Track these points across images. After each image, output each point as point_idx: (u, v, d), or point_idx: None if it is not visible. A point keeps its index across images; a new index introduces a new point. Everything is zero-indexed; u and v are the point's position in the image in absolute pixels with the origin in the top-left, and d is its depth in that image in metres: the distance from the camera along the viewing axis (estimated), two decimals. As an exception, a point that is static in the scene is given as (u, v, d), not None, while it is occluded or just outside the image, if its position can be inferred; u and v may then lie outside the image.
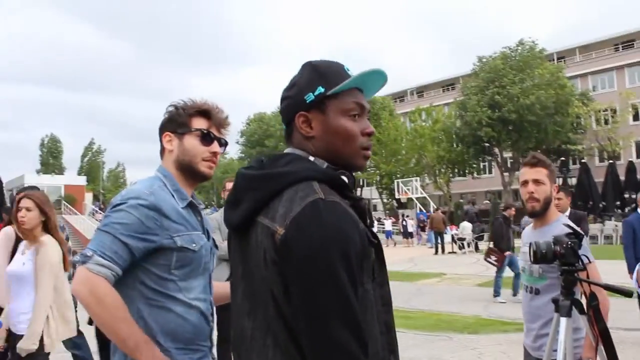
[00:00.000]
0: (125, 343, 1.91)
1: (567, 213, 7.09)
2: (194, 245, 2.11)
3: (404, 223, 34.83)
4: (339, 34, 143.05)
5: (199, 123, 2.24)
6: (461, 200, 48.20)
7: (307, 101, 1.51)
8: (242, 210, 1.46)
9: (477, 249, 26.60)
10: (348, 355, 1.26)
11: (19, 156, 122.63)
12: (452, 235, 28.09)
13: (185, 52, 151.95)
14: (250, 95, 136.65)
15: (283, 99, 1.56)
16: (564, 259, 2.59)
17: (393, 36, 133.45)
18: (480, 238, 27.67)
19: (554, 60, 49.65)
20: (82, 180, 59.05)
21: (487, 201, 45.59)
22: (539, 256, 2.63)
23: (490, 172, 52.99)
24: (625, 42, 51.21)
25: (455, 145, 47.33)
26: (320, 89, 1.50)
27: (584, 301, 2.70)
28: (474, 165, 49.58)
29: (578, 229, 2.85)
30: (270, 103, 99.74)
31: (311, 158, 1.50)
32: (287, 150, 1.55)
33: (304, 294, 1.30)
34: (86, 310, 1.96)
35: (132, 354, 1.91)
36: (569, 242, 2.57)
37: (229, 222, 1.54)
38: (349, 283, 1.29)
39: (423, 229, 34.58)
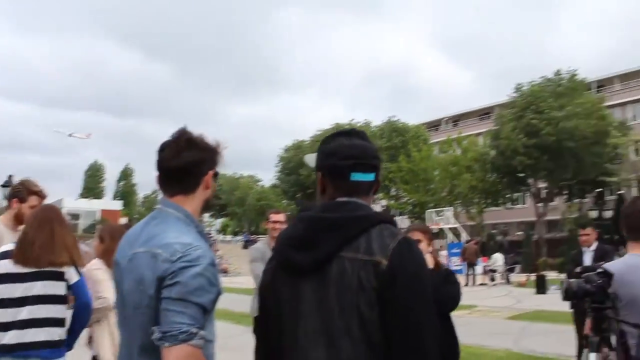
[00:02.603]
0: None
1: (594, 247, 7.23)
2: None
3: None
4: (374, 60, 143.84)
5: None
6: (493, 231, 47.62)
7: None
8: (324, 249, 1.72)
9: (508, 281, 26.17)
10: None
11: (65, 180, 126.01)
12: (484, 267, 27.70)
13: (224, 78, 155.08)
14: (287, 121, 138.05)
15: (376, 157, 1.87)
16: (593, 297, 2.60)
17: (429, 64, 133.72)
18: (512, 270, 27.24)
19: (593, 89, 49.04)
20: (117, 205, 59.96)
21: (520, 232, 44.99)
22: (570, 294, 2.65)
23: (524, 203, 52.19)
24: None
25: (489, 175, 46.90)
26: None
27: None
28: (508, 196, 48.94)
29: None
30: (306, 130, 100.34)
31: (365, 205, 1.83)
32: (345, 199, 1.81)
33: (406, 312, 1.62)
34: None
35: None
36: (599, 281, 2.58)
37: (300, 262, 1.75)
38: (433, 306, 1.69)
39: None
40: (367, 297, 1.63)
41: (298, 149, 60.36)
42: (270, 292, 1.85)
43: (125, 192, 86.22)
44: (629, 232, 2.89)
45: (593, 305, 2.59)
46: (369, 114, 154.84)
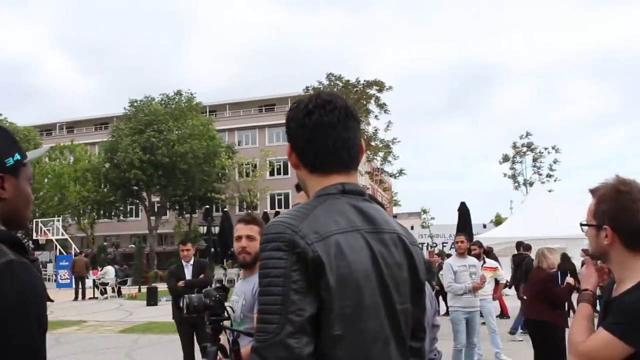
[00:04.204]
0: None
1: (192, 262, 7.88)
2: None
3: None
4: None
5: None
6: (105, 243, 47.06)
7: (7, 165, 1.55)
8: None
9: (119, 294, 26.10)
10: None
11: None
12: (94, 280, 27.01)
13: None
14: None
15: None
16: (212, 310, 2.92)
17: (51, 64, 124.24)
18: (124, 283, 27.28)
19: (206, 113, 52.73)
20: None
21: (133, 245, 45.35)
22: (191, 308, 2.92)
23: (137, 216, 52.86)
24: (268, 105, 57.75)
25: (102, 187, 46.22)
26: (18, 156, 1.58)
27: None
28: (121, 208, 48.91)
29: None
30: None
31: None
32: None
33: None
34: None
35: None
36: (217, 295, 2.92)
37: None
38: (40, 341, 1.40)
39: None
40: None
41: None
42: None
43: None
44: None
45: (212, 317, 2.91)
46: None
